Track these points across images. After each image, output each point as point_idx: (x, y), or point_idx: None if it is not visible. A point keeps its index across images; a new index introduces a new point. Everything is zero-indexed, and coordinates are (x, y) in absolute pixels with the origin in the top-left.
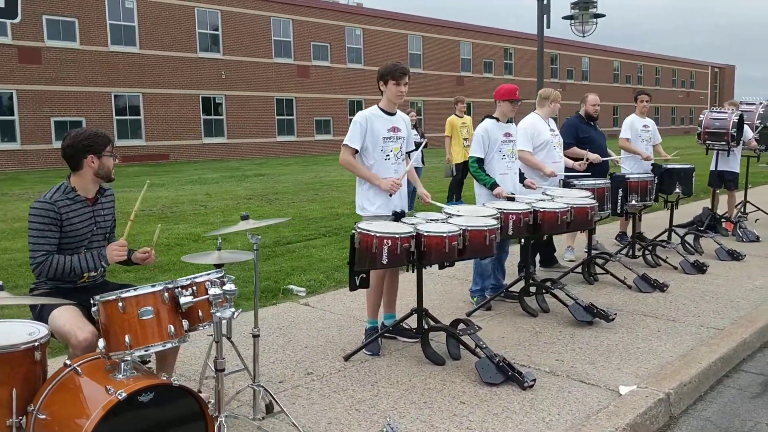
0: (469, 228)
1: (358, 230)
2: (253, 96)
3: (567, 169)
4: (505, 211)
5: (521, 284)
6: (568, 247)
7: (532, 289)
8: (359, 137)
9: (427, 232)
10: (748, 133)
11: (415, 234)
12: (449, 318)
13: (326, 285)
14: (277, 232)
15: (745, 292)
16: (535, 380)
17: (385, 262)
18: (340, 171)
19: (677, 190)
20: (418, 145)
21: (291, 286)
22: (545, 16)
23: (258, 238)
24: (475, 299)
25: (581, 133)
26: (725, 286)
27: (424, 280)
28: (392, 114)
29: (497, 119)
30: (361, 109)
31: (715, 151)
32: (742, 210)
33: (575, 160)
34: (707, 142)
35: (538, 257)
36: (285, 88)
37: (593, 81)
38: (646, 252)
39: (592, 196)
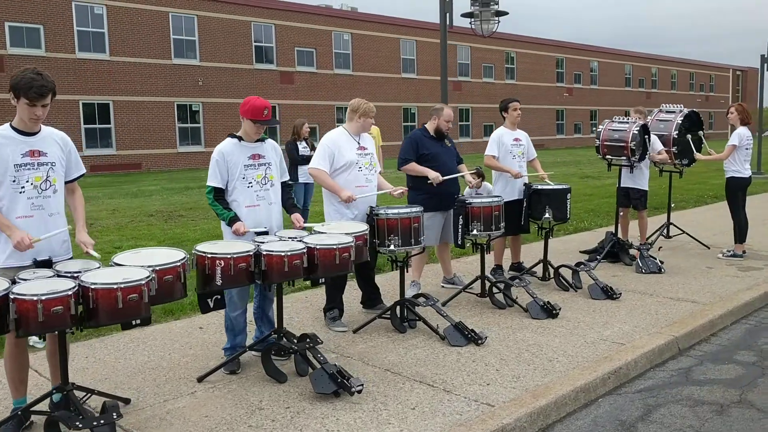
0: (97, 287)
1: None
2: (232, 103)
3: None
4: (210, 256)
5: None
6: (413, 282)
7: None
8: None
9: (17, 294)
10: (657, 145)
11: (3, 295)
12: (176, 383)
13: (92, 334)
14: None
15: (581, 347)
16: None
17: None
18: None
19: (547, 215)
20: (308, 159)
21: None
22: (447, 14)
23: None
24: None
25: (423, 149)
26: (565, 336)
27: (202, 325)
28: (32, 134)
29: (240, 138)
30: None
31: (620, 167)
32: (665, 234)
33: (414, 177)
34: (607, 156)
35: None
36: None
37: (603, 85)
38: (494, 290)
39: (362, 233)
